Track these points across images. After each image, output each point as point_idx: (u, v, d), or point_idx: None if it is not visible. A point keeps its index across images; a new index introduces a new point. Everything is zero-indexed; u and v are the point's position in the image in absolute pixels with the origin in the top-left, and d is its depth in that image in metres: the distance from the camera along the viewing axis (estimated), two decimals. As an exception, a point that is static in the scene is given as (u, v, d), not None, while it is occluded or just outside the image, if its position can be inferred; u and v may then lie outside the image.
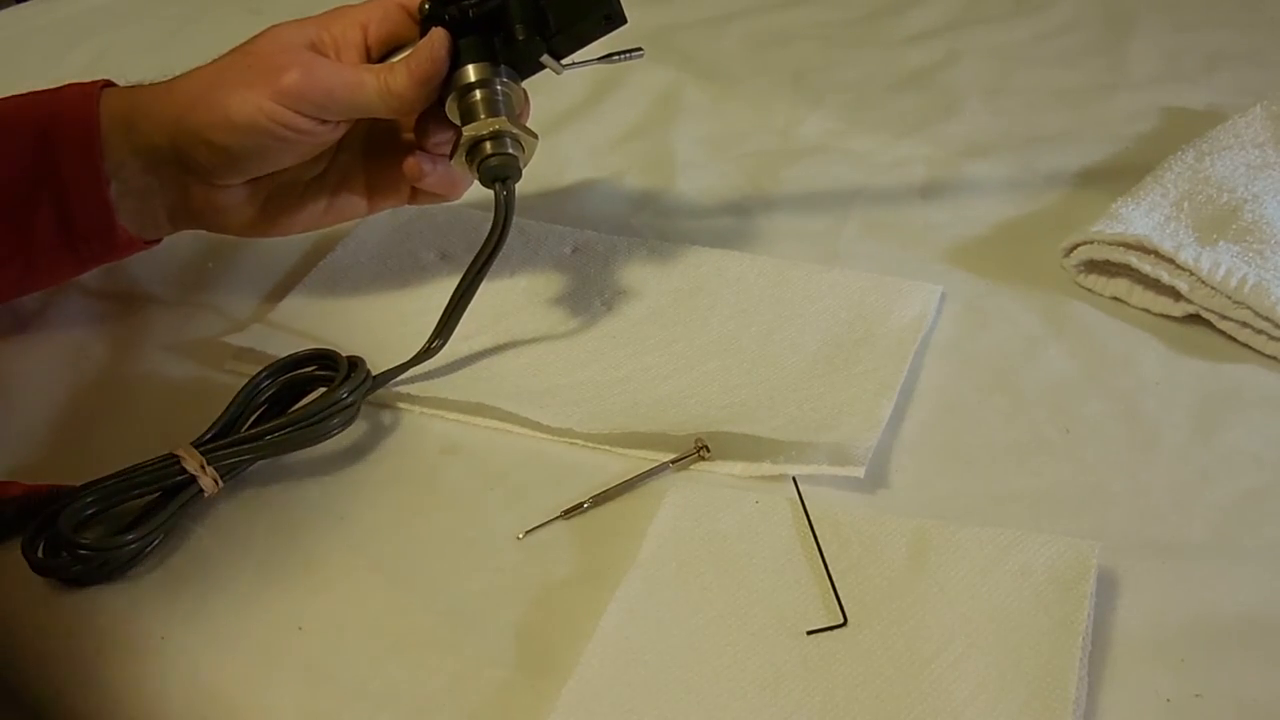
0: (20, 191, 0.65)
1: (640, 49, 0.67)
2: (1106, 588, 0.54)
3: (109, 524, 0.58)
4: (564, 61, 0.65)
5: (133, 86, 0.67)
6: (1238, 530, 0.57)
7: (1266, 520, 0.58)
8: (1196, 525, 0.58)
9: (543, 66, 0.65)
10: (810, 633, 0.52)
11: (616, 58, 0.67)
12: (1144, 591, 0.54)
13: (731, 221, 0.80)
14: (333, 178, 0.69)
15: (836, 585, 0.53)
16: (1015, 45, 1.00)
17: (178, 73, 0.66)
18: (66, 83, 0.67)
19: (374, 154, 0.70)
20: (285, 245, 0.74)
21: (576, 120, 0.91)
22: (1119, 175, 0.79)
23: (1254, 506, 0.58)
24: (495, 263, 0.65)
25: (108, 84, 0.67)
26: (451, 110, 0.64)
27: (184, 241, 0.72)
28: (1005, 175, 0.84)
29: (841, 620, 0.52)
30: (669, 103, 0.93)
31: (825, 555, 0.55)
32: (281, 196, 0.69)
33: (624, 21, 0.64)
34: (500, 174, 0.63)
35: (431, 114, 0.66)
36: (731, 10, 1.06)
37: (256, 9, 1.08)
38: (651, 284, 0.72)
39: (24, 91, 0.68)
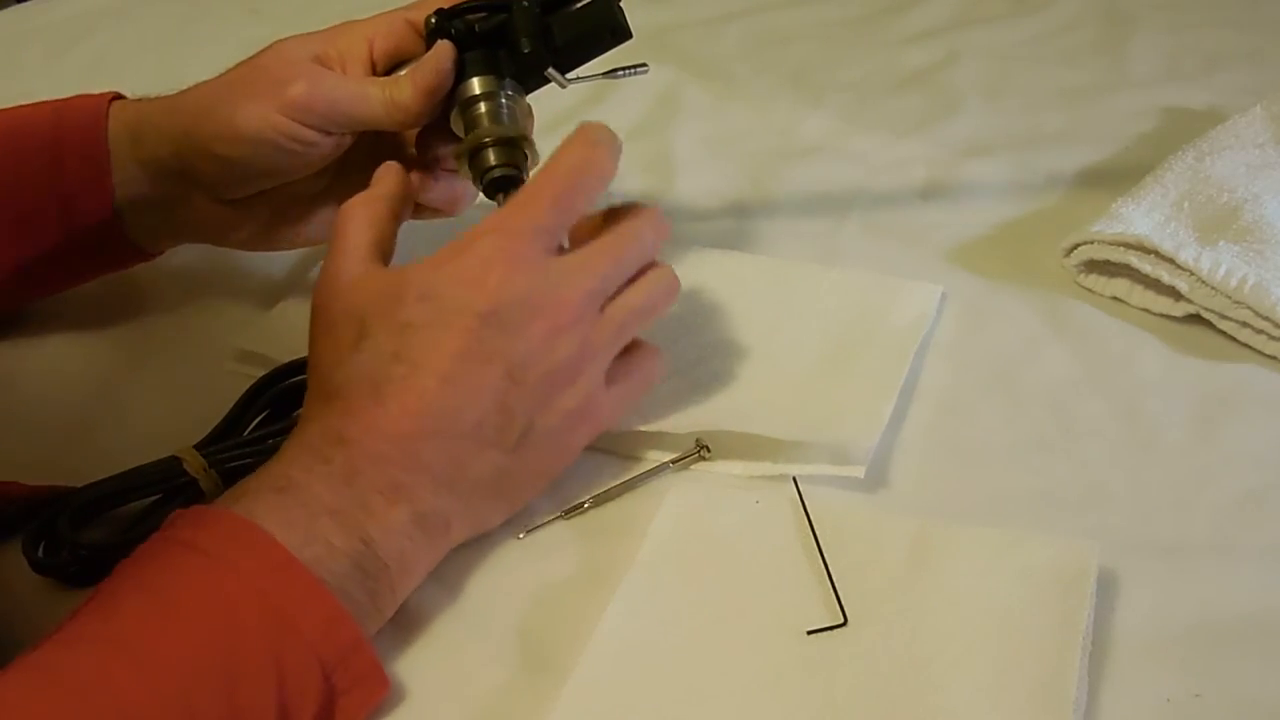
0: (27, 201, 0.66)
1: (645, 65, 0.67)
2: (1106, 588, 0.54)
3: (110, 525, 0.58)
4: (569, 75, 0.65)
5: (140, 99, 0.67)
6: (1238, 530, 0.57)
7: (1266, 520, 0.58)
8: (1196, 525, 0.58)
9: (548, 80, 0.65)
10: (810, 633, 0.52)
11: (621, 73, 0.67)
12: (1144, 591, 0.54)
13: (731, 221, 0.80)
14: (337, 192, 0.69)
15: (836, 585, 0.53)
16: (1015, 45, 1.00)
17: (177, 73, 0.66)
18: (75, 94, 0.68)
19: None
20: (287, 245, 0.74)
21: (576, 120, 0.89)
22: (1119, 175, 0.79)
23: (1254, 506, 0.58)
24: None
25: (117, 96, 0.67)
26: (456, 124, 0.64)
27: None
28: (1005, 175, 0.84)
29: (841, 620, 0.52)
30: (669, 103, 0.93)
31: (825, 555, 0.55)
32: (286, 211, 0.69)
33: (629, 36, 0.64)
34: (503, 185, 0.63)
35: (435, 129, 0.66)
36: (731, 10, 1.06)
37: (256, 9, 1.08)
38: (652, 284, 0.72)
39: (29, 97, 0.69)
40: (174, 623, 0.46)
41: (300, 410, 0.56)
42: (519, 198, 0.57)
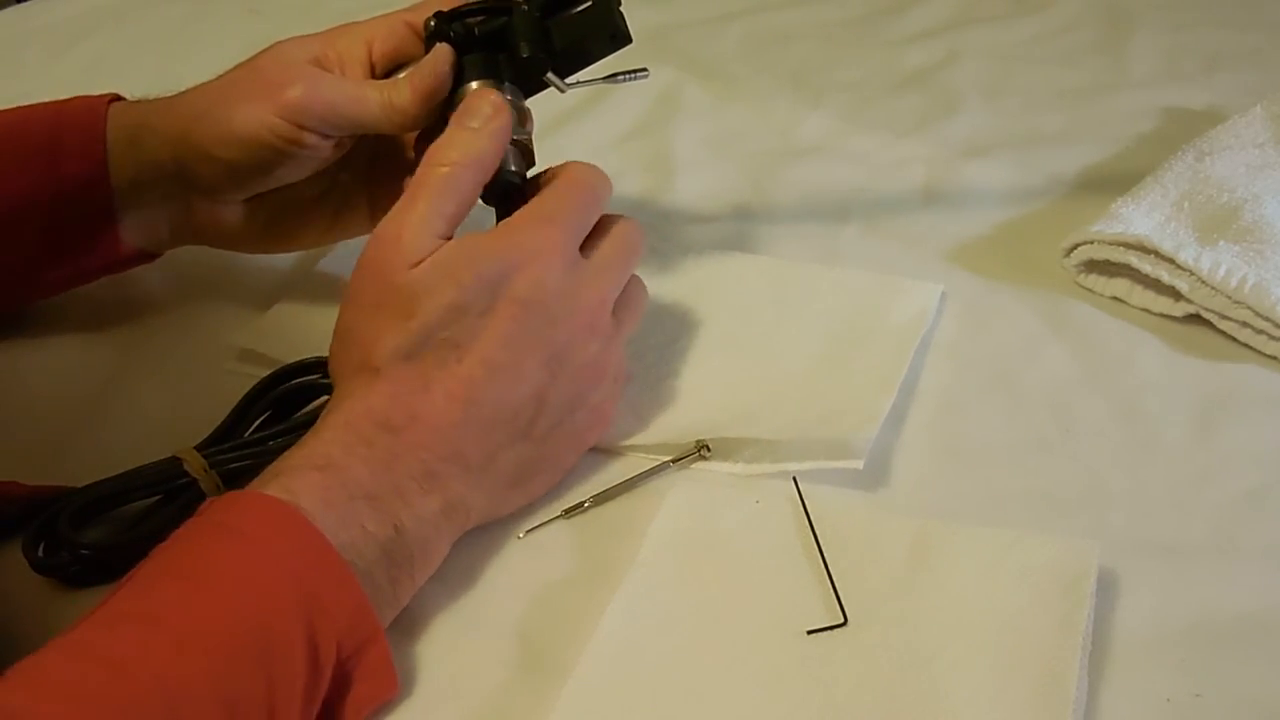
0: (25, 203, 0.66)
1: (645, 69, 0.67)
2: (1106, 588, 0.54)
3: (110, 525, 0.58)
4: (568, 80, 0.65)
5: (139, 101, 0.67)
6: (1238, 530, 0.57)
7: (1266, 520, 0.58)
8: (1196, 525, 0.58)
9: (547, 84, 0.65)
10: (810, 632, 0.52)
11: (621, 78, 0.67)
12: (1144, 591, 0.54)
13: (731, 221, 0.80)
14: (336, 195, 0.69)
15: (836, 585, 0.53)
16: (1015, 45, 1.00)
17: (177, 74, 0.66)
18: (75, 95, 0.68)
19: (377, 172, 0.70)
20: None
21: (576, 120, 0.91)
22: (1119, 175, 0.79)
23: (1254, 506, 0.58)
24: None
25: (116, 98, 0.67)
26: None
27: (185, 242, 0.72)
28: (1005, 175, 0.84)
29: (841, 620, 0.52)
30: (669, 103, 0.93)
31: (825, 555, 0.55)
32: (284, 213, 0.69)
33: (629, 41, 0.64)
34: (501, 188, 0.63)
35: (434, 133, 0.66)
36: (731, 10, 1.06)
37: (256, 9, 1.08)
38: (652, 284, 0.71)
39: (29, 97, 0.68)
40: (211, 601, 0.46)
41: (301, 411, 0.56)
42: (558, 193, 0.59)
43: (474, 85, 0.63)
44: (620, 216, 0.61)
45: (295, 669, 0.46)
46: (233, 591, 0.47)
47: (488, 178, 0.59)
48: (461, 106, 0.60)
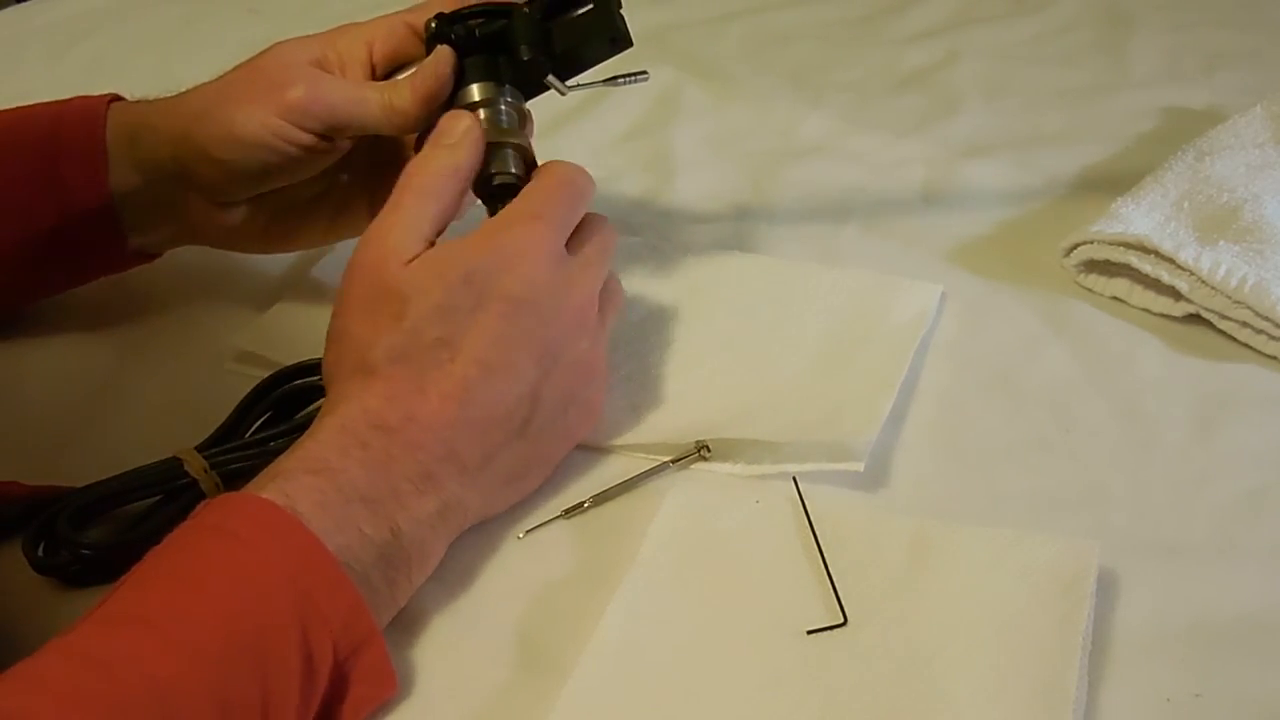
0: (24, 202, 0.66)
1: (645, 72, 0.67)
2: (1106, 588, 0.54)
3: (110, 525, 0.58)
4: (568, 82, 0.65)
5: (139, 101, 0.67)
6: (1238, 530, 0.57)
7: (1266, 520, 0.58)
8: (1196, 525, 0.58)
9: (547, 87, 0.65)
10: (810, 632, 0.52)
11: (621, 80, 0.67)
12: (1144, 591, 0.54)
13: (731, 221, 0.80)
14: (336, 196, 0.69)
15: (836, 585, 0.53)
16: (1015, 45, 1.00)
17: (177, 74, 0.66)
18: (75, 95, 0.68)
19: (377, 173, 0.70)
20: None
21: (576, 120, 0.91)
22: (1119, 175, 0.79)
23: (1254, 506, 0.58)
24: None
25: (115, 98, 0.67)
26: None
27: (185, 242, 0.72)
28: (1005, 175, 0.84)
29: (841, 620, 0.52)
30: (669, 103, 0.93)
31: (825, 555, 0.55)
32: (284, 214, 0.69)
33: (630, 45, 0.64)
34: (502, 192, 0.63)
35: None
36: (731, 10, 1.06)
37: (256, 9, 1.08)
38: (652, 284, 0.72)
39: (29, 97, 0.68)
40: (205, 603, 0.46)
41: (302, 412, 0.55)
42: (544, 190, 0.59)
43: (474, 88, 0.63)
44: (595, 215, 0.62)
45: (290, 671, 0.46)
46: (227, 594, 0.47)
47: (466, 186, 0.59)
48: (436, 129, 0.60)
